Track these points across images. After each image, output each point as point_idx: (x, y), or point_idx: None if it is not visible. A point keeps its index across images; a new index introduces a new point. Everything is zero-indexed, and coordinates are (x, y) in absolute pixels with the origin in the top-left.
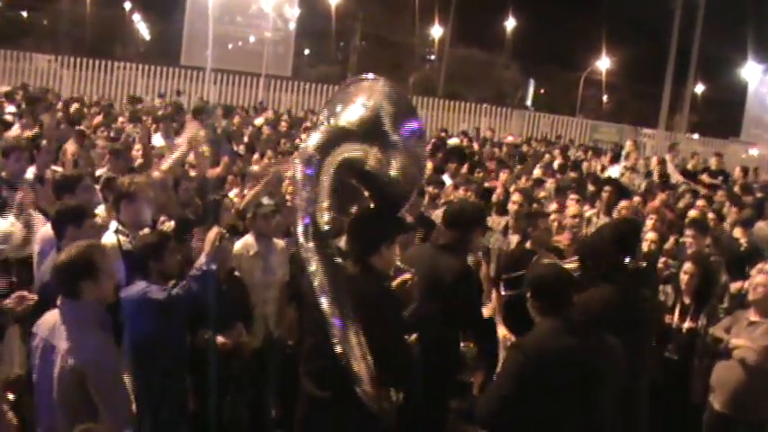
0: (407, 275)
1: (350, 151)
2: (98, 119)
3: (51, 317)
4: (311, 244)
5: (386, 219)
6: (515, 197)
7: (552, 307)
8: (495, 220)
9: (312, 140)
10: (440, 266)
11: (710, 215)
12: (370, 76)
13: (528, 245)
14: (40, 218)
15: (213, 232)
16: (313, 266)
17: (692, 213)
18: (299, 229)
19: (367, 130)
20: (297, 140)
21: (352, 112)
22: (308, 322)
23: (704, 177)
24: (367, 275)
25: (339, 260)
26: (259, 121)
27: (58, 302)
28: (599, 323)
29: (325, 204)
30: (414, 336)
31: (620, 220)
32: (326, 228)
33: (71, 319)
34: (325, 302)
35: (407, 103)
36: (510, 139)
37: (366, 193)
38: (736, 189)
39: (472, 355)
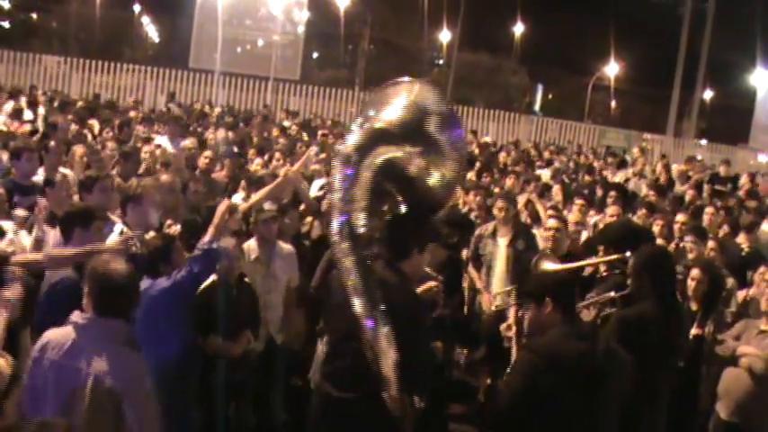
0: (432, 282)
1: (392, 152)
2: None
3: (61, 336)
4: (345, 244)
5: (421, 224)
6: (499, 203)
7: (566, 311)
8: (483, 227)
9: (351, 140)
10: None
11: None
12: (406, 79)
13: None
14: (52, 234)
15: (224, 205)
16: (347, 265)
17: (681, 218)
18: (334, 227)
19: (409, 131)
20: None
21: (391, 113)
22: (331, 322)
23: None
24: (397, 280)
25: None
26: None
27: (78, 320)
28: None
29: (363, 205)
30: (438, 342)
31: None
32: (362, 230)
33: (104, 338)
34: (357, 303)
35: (449, 107)
36: (487, 138)
37: (399, 198)
38: (742, 194)
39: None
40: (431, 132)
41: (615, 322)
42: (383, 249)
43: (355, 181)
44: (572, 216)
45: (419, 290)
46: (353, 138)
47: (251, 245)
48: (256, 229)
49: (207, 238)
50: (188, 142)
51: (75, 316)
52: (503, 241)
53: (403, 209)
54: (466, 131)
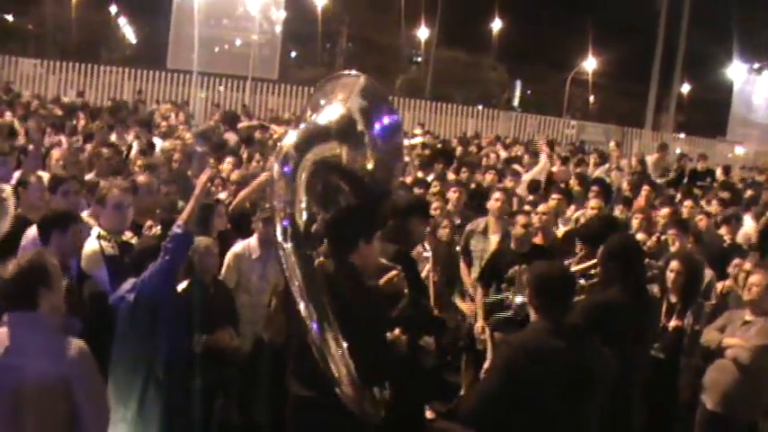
0: (393, 272)
1: (326, 150)
2: (82, 122)
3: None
4: (289, 245)
5: (363, 216)
6: (496, 195)
7: (550, 307)
8: (474, 222)
9: (289, 139)
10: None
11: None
12: (352, 72)
13: (512, 244)
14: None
15: (205, 175)
16: (290, 268)
17: (665, 212)
18: (278, 231)
19: (340, 129)
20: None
21: (330, 111)
22: (294, 324)
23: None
24: (346, 274)
25: (319, 260)
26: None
27: (7, 319)
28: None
29: (303, 204)
30: (397, 331)
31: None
32: (303, 228)
33: (35, 330)
34: (302, 305)
35: (381, 97)
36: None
37: (347, 190)
38: (715, 186)
39: (431, 349)
40: (361, 125)
41: (580, 310)
42: (330, 245)
43: (293, 179)
44: (541, 207)
45: (381, 281)
46: (292, 136)
47: (251, 243)
48: (258, 228)
49: (185, 213)
50: (167, 144)
51: (7, 315)
52: (494, 238)
53: (348, 201)
54: (401, 119)
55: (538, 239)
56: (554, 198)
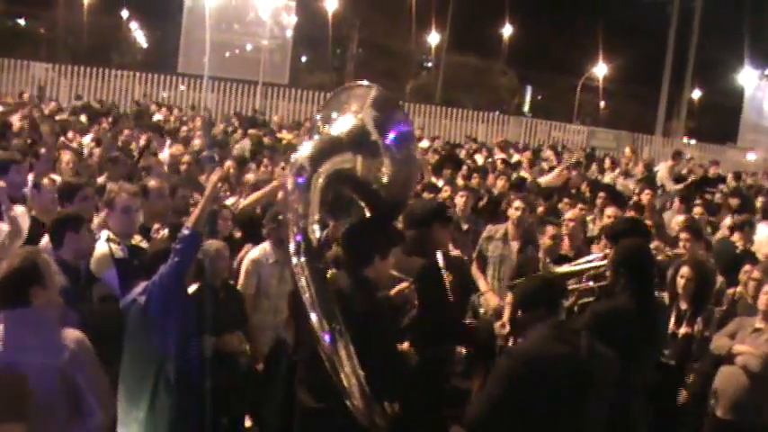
0: (405, 284)
1: (340, 162)
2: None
3: None
4: (303, 259)
5: (379, 229)
6: (517, 203)
7: (542, 317)
8: (493, 228)
9: (304, 151)
10: (404, 269)
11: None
12: (365, 83)
13: (540, 254)
14: (20, 209)
15: (216, 174)
16: (302, 281)
17: (680, 219)
18: (291, 246)
19: (353, 140)
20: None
21: (343, 122)
22: (303, 335)
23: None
24: (359, 288)
25: (332, 272)
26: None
27: (2, 316)
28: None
29: (317, 217)
30: (406, 343)
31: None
32: (318, 241)
33: (28, 326)
34: (314, 317)
35: (394, 107)
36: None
37: (362, 203)
38: (725, 192)
39: (459, 359)
40: (374, 137)
41: (588, 316)
42: (345, 257)
43: (307, 191)
44: (568, 214)
45: (392, 292)
46: (306, 148)
47: (267, 248)
48: (274, 232)
49: (194, 214)
50: (174, 149)
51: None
52: (515, 245)
53: (365, 214)
54: (415, 129)
55: (564, 246)
56: (581, 207)
